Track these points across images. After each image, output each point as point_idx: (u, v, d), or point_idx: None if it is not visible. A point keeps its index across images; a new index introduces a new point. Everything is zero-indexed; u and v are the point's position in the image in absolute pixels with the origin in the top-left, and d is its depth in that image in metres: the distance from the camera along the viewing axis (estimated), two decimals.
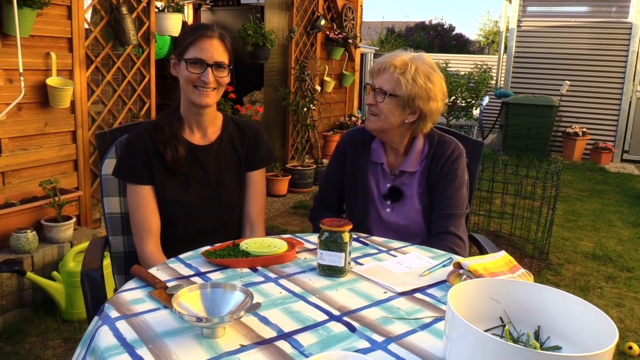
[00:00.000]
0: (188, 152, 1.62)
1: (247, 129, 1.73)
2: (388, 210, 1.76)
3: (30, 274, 2.44)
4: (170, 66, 1.61)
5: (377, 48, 12.19)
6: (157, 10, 3.78)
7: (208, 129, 1.67)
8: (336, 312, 1.09)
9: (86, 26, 3.10)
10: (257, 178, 1.74)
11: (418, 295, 1.19)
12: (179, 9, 4.03)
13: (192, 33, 1.56)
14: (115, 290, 1.67)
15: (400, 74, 1.62)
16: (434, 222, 1.71)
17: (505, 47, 8.37)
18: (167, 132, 1.60)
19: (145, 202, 1.59)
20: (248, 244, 1.40)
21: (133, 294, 1.15)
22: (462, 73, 8.07)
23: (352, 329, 1.02)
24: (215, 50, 1.54)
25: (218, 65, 1.55)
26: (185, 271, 1.28)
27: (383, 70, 1.65)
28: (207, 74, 1.53)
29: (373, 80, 1.68)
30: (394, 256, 1.44)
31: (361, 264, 1.36)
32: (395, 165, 1.77)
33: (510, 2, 8.23)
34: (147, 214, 1.59)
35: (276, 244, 1.40)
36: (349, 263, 1.30)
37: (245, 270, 1.30)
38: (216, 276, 1.26)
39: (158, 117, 1.67)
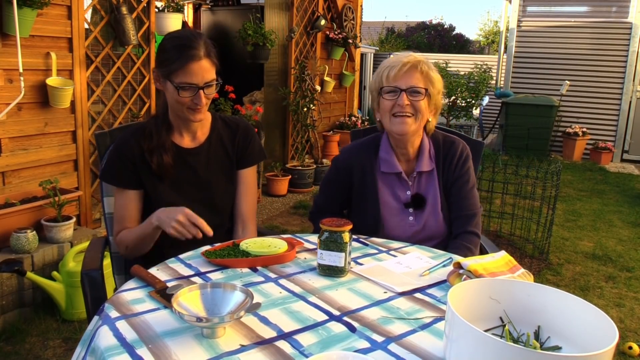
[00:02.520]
0: (177, 156, 1.61)
1: (236, 127, 1.71)
2: (411, 218, 1.71)
3: (30, 274, 2.44)
4: (153, 79, 1.59)
5: (377, 48, 12.19)
6: (157, 10, 3.78)
7: (197, 131, 1.66)
8: (336, 312, 1.09)
9: (86, 26, 3.10)
10: (248, 176, 1.72)
11: (418, 295, 1.19)
12: (179, 9, 4.04)
13: (177, 54, 1.48)
14: (116, 290, 1.67)
15: (429, 69, 1.64)
16: (454, 224, 1.71)
17: (505, 47, 8.37)
18: (154, 139, 1.58)
19: (126, 203, 1.60)
20: (248, 244, 1.40)
21: (133, 294, 1.15)
22: (462, 73, 8.06)
23: (352, 329, 1.02)
24: (205, 71, 1.50)
25: (208, 85, 1.52)
26: (185, 271, 1.28)
27: (411, 70, 1.61)
28: (199, 96, 1.50)
29: (394, 83, 1.61)
30: (394, 256, 1.44)
31: (361, 264, 1.36)
32: (409, 170, 1.74)
33: (510, 2, 8.23)
34: (128, 215, 1.61)
35: (276, 244, 1.40)
36: (349, 263, 1.30)
37: (245, 270, 1.30)
38: (216, 276, 1.26)
39: (145, 121, 1.65)
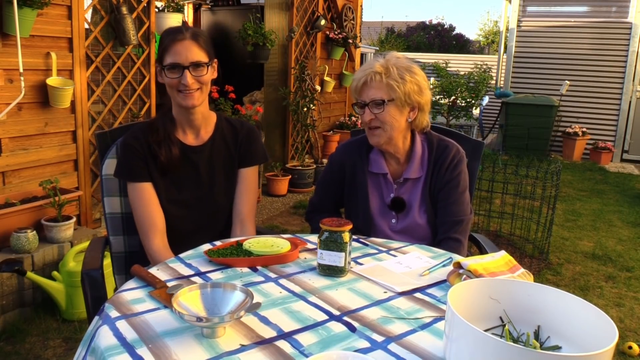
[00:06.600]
0: (181, 152, 1.64)
1: (240, 127, 1.74)
2: (393, 221, 1.74)
3: (30, 274, 2.44)
4: (157, 74, 1.63)
5: (377, 48, 12.20)
6: (157, 10, 3.78)
7: (201, 129, 1.68)
8: (336, 312, 1.09)
9: (86, 26, 3.10)
10: (249, 175, 1.73)
11: (418, 295, 1.20)
12: (179, 9, 4.04)
13: (165, 40, 1.57)
14: (116, 290, 1.67)
15: (387, 77, 1.60)
16: (439, 229, 1.70)
17: (505, 47, 8.37)
18: (161, 132, 1.62)
19: (147, 198, 1.61)
20: (251, 243, 1.40)
21: (133, 294, 1.15)
22: (462, 73, 8.06)
23: (352, 328, 1.02)
24: (189, 51, 1.54)
25: (196, 65, 1.54)
26: (185, 271, 1.28)
27: (368, 82, 1.62)
28: (185, 76, 1.53)
29: (360, 97, 1.65)
30: (394, 256, 1.44)
31: (361, 264, 1.36)
32: (397, 173, 1.74)
33: (510, 2, 8.22)
34: (151, 210, 1.60)
35: (279, 244, 1.40)
36: (349, 263, 1.30)
37: (246, 270, 1.30)
38: (216, 276, 1.26)
39: (153, 117, 1.70)
